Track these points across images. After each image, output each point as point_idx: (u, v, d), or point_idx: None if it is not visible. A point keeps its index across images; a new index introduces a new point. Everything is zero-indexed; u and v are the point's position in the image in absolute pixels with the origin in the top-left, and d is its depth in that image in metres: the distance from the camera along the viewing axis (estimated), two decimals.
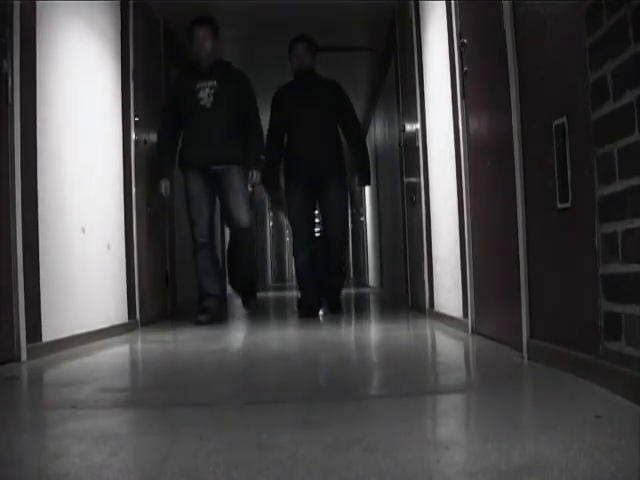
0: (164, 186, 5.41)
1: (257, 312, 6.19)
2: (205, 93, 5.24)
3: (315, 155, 5.47)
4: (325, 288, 5.73)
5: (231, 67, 5.46)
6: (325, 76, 5.77)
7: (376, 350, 3.82)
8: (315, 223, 5.81)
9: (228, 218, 5.51)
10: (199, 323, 5.19)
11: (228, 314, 6.26)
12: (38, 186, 3.59)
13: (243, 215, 5.33)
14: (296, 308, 5.85)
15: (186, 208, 5.39)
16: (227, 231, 6.07)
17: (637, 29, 1.83)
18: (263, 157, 5.39)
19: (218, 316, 5.36)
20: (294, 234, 5.76)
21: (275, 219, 20.82)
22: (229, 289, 6.66)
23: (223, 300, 5.66)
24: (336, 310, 5.75)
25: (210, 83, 5.27)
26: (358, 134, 5.86)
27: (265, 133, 5.55)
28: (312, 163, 5.49)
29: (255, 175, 5.33)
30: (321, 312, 5.75)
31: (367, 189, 11.78)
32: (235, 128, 5.27)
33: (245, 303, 6.13)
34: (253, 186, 5.70)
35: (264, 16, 6.85)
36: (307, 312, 5.59)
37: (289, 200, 5.64)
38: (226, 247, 6.23)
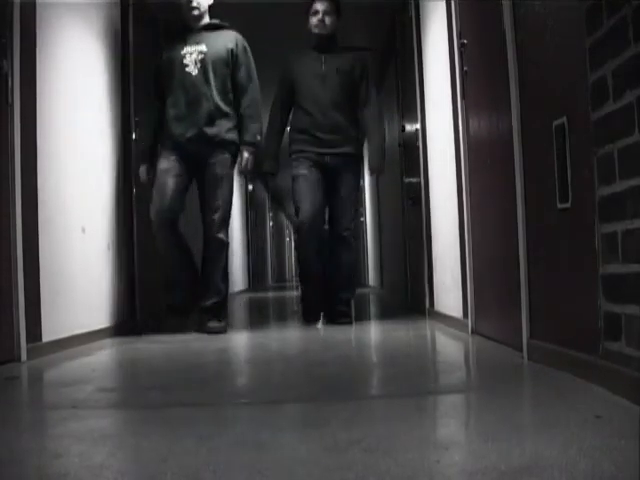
0: (142, 171, 4.75)
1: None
2: (192, 59, 4.59)
3: (329, 135, 4.77)
4: (334, 298, 4.93)
5: (224, 28, 4.75)
6: (347, 43, 5.10)
7: (376, 350, 3.82)
8: (324, 213, 4.95)
9: (202, 219, 4.67)
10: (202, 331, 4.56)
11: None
12: (38, 186, 3.59)
13: (219, 222, 4.57)
14: (299, 309, 5.33)
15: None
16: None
17: (637, 29, 1.83)
18: (259, 137, 4.71)
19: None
20: (299, 225, 4.81)
21: (275, 219, 20.81)
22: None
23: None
24: (344, 320, 4.89)
25: (199, 47, 4.63)
26: (377, 111, 4.98)
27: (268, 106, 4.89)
28: (325, 143, 4.78)
29: (246, 160, 4.64)
30: (320, 325, 4.96)
31: (367, 189, 11.78)
32: (226, 101, 4.62)
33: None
34: (242, 173, 4.85)
35: (263, 16, 6.85)
36: (310, 317, 5.00)
37: (294, 184, 4.81)
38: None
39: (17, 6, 3.39)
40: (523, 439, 1.67)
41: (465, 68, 3.79)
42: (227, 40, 4.71)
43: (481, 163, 3.59)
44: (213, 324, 4.58)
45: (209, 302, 4.61)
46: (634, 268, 1.90)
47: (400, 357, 3.33)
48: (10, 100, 3.34)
